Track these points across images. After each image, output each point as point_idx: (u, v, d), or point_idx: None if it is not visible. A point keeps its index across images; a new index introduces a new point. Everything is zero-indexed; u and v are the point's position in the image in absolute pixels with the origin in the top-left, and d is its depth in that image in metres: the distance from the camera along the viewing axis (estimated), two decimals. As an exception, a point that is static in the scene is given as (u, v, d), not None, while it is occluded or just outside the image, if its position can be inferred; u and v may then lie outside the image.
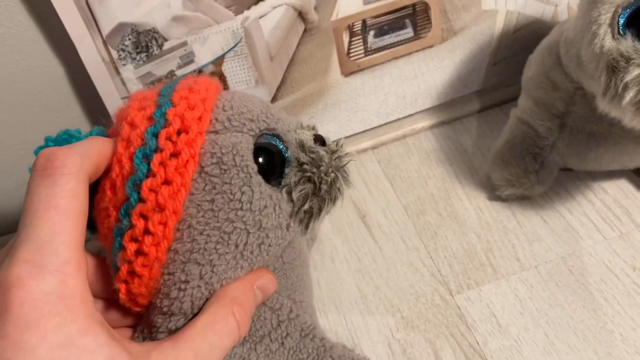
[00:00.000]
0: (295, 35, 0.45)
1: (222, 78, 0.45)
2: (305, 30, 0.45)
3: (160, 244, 0.23)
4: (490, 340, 0.36)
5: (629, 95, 0.30)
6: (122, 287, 0.24)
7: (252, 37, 0.43)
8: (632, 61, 0.30)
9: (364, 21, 0.46)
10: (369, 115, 0.52)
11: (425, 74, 0.50)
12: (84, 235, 0.22)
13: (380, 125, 0.53)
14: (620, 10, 0.31)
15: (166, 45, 0.42)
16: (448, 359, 0.36)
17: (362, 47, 0.47)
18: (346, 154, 0.29)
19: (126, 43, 0.41)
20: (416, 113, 0.53)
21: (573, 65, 0.37)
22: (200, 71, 0.44)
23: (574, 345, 0.35)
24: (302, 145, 0.28)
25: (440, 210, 0.45)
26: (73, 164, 0.22)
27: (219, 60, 0.44)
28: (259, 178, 0.25)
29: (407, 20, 0.47)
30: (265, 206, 0.25)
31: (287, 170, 0.27)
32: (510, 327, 0.37)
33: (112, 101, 0.43)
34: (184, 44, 0.42)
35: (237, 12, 0.42)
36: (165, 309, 0.25)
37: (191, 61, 0.43)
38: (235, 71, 0.45)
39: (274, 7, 0.43)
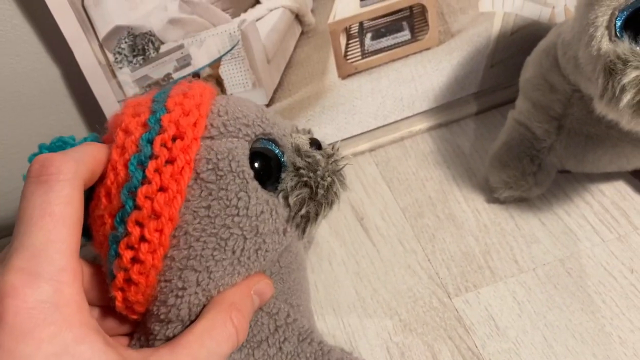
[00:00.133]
0: (292, 37, 0.45)
1: (219, 81, 0.45)
2: (302, 33, 0.45)
3: (157, 251, 0.23)
4: (489, 343, 0.36)
5: (626, 97, 0.30)
6: (119, 295, 0.24)
7: (249, 40, 0.43)
8: (629, 63, 0.30)
9: (361, 24, 0.46)
10: (367, 118, 0.52)
11: (422, 76, 0.50)
12: (79, 243, 0.22)
13: (378, 128, 0.52)
14: (617, 12, 0.31)
15: (163, 48, 0.42)
16: (446, 362, 0.36)
17: (359, 50, 0.47)
18: (342, 157, 0.29)
19: (122, 46, 0.40)
20: (414, 115, 0.53)
21: (570, 67, 0.37)
22: (197, 74, 0.44)
23: (572, 347, 0.35)
24: (298, 150, 0.28)
25: (438, 212, 0.45)
26: (68, 170, 0.22)
27: (215, 63, 0.44)
28: (255, 183, 0.25)
29: (404, 23, 0.46)
30: (262, 212, 0.25)
31: (283, 175, 0.27)
32: (508, 329, 0.37)
33: (109, 104, 0.43)
34: (181, 46, 0.42)
35: (234, 14, 0.42)
36: (162, 316, 0.24)
37: (188, 64, 0.43)
38: (232, 74, 0.45)
39: (271, 10, 0.43)
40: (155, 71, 0.42)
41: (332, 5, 0.44)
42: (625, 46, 0.30)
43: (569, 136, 0.40)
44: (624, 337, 0.35)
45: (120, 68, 0.41)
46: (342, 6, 0.44)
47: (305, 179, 0.27)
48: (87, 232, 0.25)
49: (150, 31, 0.40)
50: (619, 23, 0.31)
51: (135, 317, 0.25)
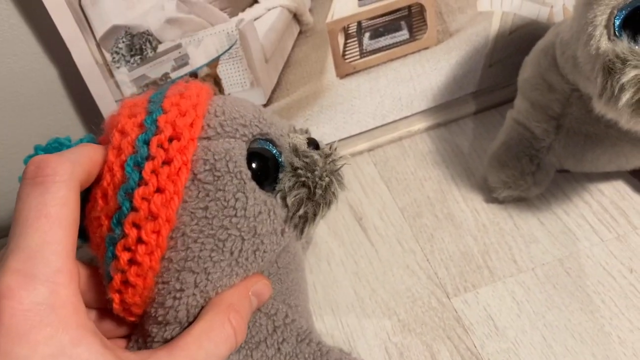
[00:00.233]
0: (290, 37, 0.44)
1: (217, 80, 0.45)
2: (300, 32, 0.45)
3: (154, 252, 0.23)
4: (488, 343, 0.36)
5: (625, 96, 0.30)
6: (116, 297, 0.24)
7: (246, 39, 0.43)
8: (628, 62, 0.30)
9: (359, 23, 0.45)
10: (365, 117, 0.51)
11: (421, 75, 0.50)
12: (75, 244, 0.22)
13: (376, 127, 0.52)
14: (615, 11, 0.31)
15: (160, 48, 0.41)
16: (445, 362, 0.36)
17: (357, 49, 0.47)
18: (340, 157, 0.29)
19: (120, 46, 0.40)
20: (412, 115, 0.53)
21: (569, 66, 0.37)
22: (194, 74, 0.43)
23: (571, 347, 0.35)
24: (295, 150, 0.27)
25: (437, 212, 0.45)
26: (64, 172, 0.22)
27: (213, 63, 0.43)
28: (253, 184, 0.25)
29: (403, 22, 0.46)
30: (260, 212, 0.25)
31: (281, 176, 0.27)
32: (507, 329, 0.37)
33: (106, 104, 0.42)
34: (179, 46, 0.42)
35: (232, 14, 0.42)
36: (160, 318, 0.24)
37: (186, 63, 0.43)
38: (230, 73, 0.44)
39: (269, 9, 0.42)
40: (153, 71, 0.42)
41: (330, 5, 0.44)
42: (624, 45, 0.30)
43: (567, 136, 0.40)
44: (623, 336, 0.35)
45: (118, 68, 0.41)
46: (340, 5, 0.44)
47: (303, 179, 0.27)
48: (83, 234, 0.24)
49: (147, 31, 0.40)
50: (617, 22, 0.31)
51: (132, 319, 0.25)
